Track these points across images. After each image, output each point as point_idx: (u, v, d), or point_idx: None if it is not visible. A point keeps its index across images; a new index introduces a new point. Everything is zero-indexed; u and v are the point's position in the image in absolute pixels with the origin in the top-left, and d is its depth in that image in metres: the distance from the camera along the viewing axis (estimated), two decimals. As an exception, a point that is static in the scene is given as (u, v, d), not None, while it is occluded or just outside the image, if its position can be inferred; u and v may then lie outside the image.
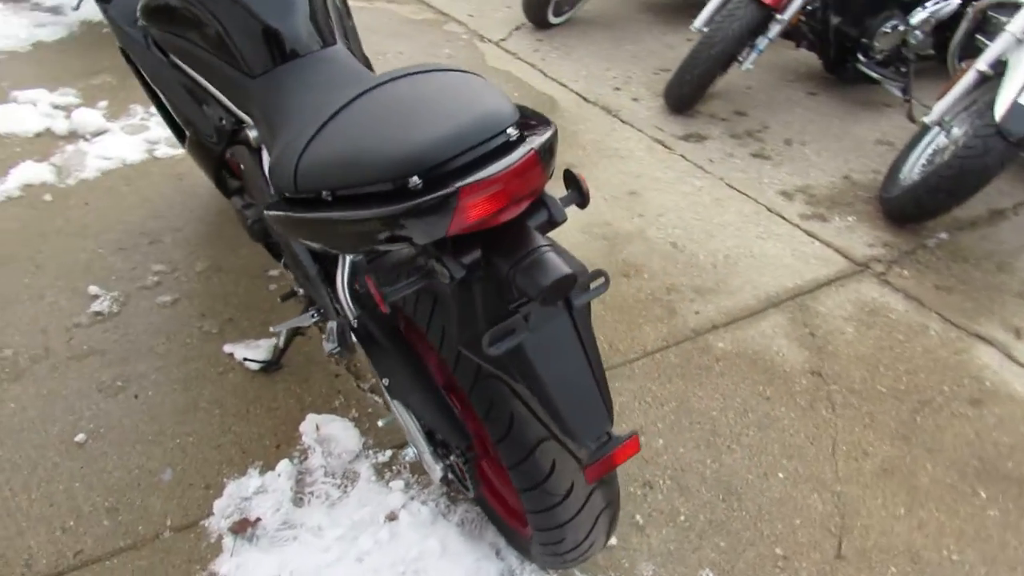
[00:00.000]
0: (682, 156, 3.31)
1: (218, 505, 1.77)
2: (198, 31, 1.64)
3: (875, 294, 2.59)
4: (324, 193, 1.14)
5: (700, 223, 2.89)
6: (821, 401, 2.18)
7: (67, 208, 2.72)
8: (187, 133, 2.03)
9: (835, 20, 3.54)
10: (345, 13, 1.97)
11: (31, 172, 2.86)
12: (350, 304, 1.44)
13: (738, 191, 3.10)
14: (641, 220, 2.88)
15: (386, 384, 1.51)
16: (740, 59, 3.45)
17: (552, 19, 4.41)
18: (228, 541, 1.71)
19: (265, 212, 1.27)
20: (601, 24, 4.57)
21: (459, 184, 0.98)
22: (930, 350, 2.37)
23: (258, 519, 1.75)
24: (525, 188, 1.03)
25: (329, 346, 1.70)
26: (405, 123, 1.08)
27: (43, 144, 3.07)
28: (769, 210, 2.99)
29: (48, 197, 2.77)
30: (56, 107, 3.29)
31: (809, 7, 3.49)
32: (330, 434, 1.93)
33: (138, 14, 1.83)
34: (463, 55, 4.11)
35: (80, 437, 1.92)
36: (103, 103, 3.33)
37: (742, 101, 3.80)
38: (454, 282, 1.08)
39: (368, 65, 1.96)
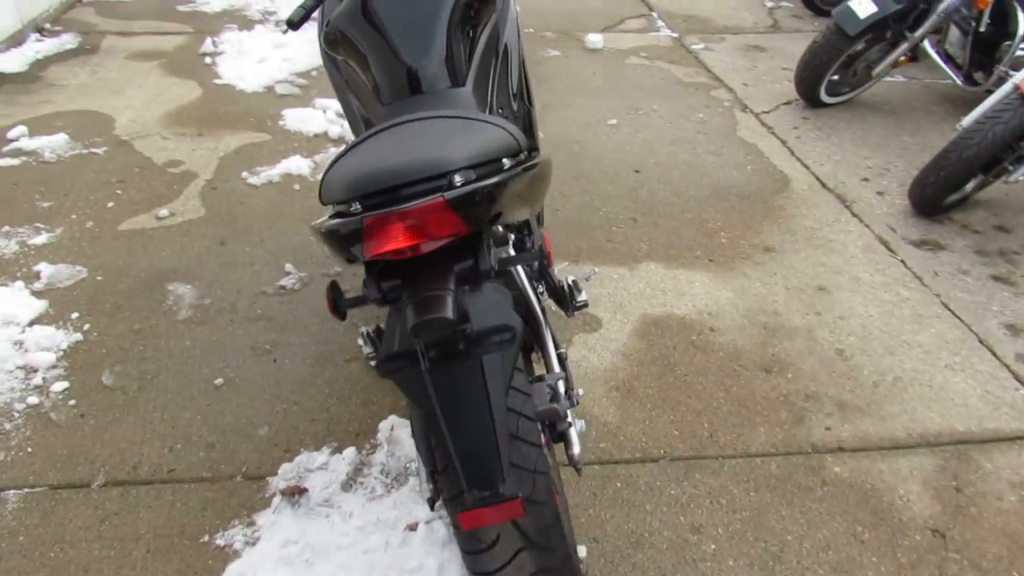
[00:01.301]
0: (902, 262, 2.97)
1: (284, 468, 2.02)
2: (355, 58, 1.91)
3: (1071, 469, 2.12)
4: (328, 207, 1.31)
5: (884, 336, 2.58)
6: (929, 566, 1.86)
7: (306, 198, 3.23)
8: None
9: None
10: (508, 64, 2.13)
11: (294, 164, 3.44)
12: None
13: (951, 312, 2.71)
14: (815, 318, 2.65)
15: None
16: (1009, 167, 3.02)
17: (825, 98, 4.18)
18: (276, 499, 1.95)
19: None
20: (882, 111, 4.23)
21: (365, 215, 1.08)
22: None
23: (306, 490, 1.96)
24: (430, 229, 1.09)
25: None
26: (380, 154, 1.20)
27: (315, 144, 3.66)
28: (980, 341, 2.58)
29: (297, 187, 3.31)
30: (339, 115, 3.89)
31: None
32: (399, 437, 2.09)
33: (320, 39, 2.16)
34: (716, 121, 4.08)
35: (219, 381, 2.30)
36: (373, 118, 3.87)
37: (1012, 216, 3.29)
38: (381, 304, 1.17)
39: (526, 106, 2.11)
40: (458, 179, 1.13)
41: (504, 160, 1.34)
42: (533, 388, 1.55)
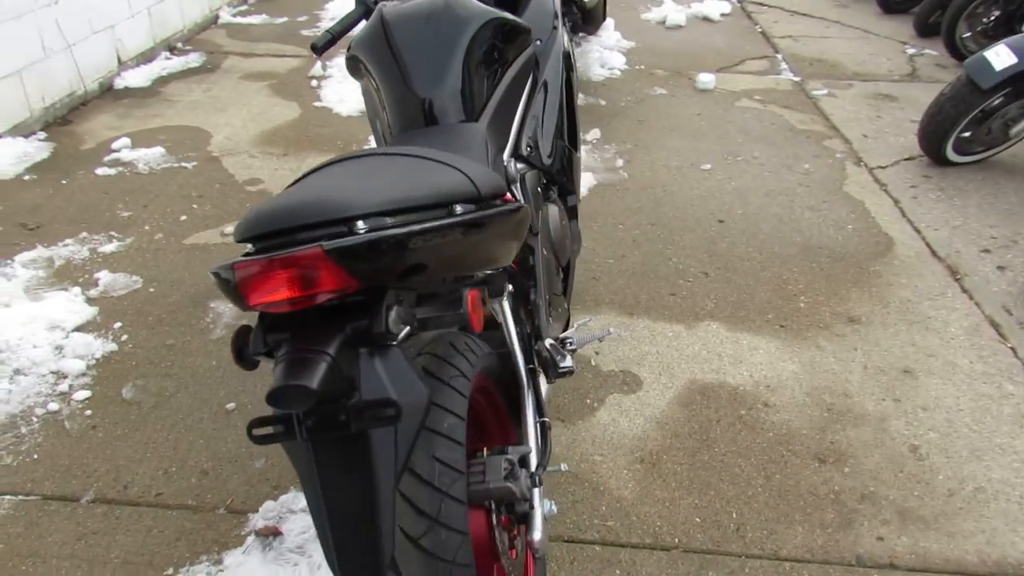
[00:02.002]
0: (1012, 350, 2.56)
1: (266, 505, 1.93)
2: (372, 85, 1.83)
3: None
4: None
5: (972, 436, 2.21)
6: None
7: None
8: None
9: None
10: (545, 102, 2.00)
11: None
12: None
13: (1064, 416, 2.29)
14: (892, 406, 2.31)
15: None
16: None
17: (953, 156, 3.76)
18: (250, 539, 1.86)
19: None
20: (1020, 175, 3.75)
21: (237, 260, 0.96)
22: None
23: (280, 532, 1.86)
24: (312, 282, 0.95)
25: None
26: (299, 192, 1.08)
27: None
28: (1097, 454, 2.16)
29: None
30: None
31: None
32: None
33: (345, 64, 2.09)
34: (822, 174, 3.75)
35: (231, 406, 2.26)
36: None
37: None
38: (267, 358, 1.05)
39: (566, 147, 1.97)
40: (361, 226, 0.99)
41: (456, 206, 1.19)
42: (488, 462, 1.39)
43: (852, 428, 2.23)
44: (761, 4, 6.70)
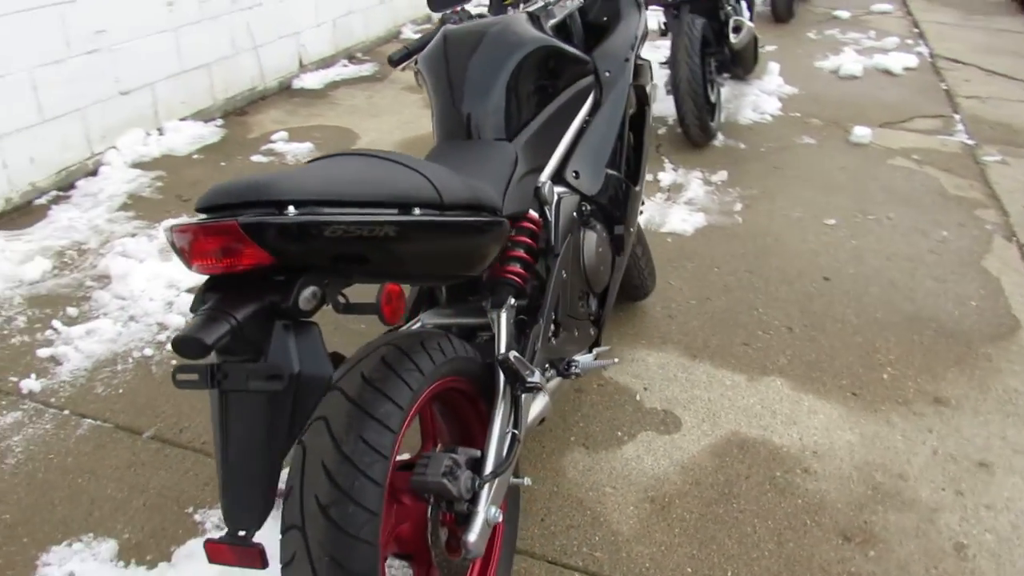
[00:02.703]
0: (1122, 464, 2.26)
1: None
2: (428, 97, 1.96)
3: None
4: None
5: (1035, 547, 1.98)
6: None
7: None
8: None
9: None
10: (601, 133, 2.04)
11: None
12: None
13: None
14: (951, 498, 2.12)
15: None
16: None
17: None
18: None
19: None
20: None
21: (173, 224, 1.11)
22: None
23: (291, 497, 2.02)
24: (233, 254, 1.07)
25: None
26: (258, 175, 1.21)
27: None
28: None
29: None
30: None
31: None
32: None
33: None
34: (961, 244, 3.46)
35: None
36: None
37: None
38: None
39: (621, 180, 2.00)
40: (292, 210, 1.11)
41: (416, 209, 1.29)
42: (433, 457, 1.46)
43: (894, 512, 2.07)
44: (955, 61, 6.24)
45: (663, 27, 4.30)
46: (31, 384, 2.38)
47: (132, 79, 3.93)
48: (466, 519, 1.47)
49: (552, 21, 2.18)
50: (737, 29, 4.24)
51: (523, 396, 1.65)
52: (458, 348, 1.53)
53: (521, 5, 2.21)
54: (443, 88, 1.86)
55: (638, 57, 2.42)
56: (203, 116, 4.39)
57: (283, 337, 1.12)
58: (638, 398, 2.45)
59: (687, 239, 3.43)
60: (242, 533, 1.12)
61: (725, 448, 2.26)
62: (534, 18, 2.03)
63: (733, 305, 2.95)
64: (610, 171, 2.09)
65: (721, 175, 4.04)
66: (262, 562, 1.11)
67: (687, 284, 3.08)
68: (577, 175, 2.00)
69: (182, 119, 4.26)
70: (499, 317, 1.67)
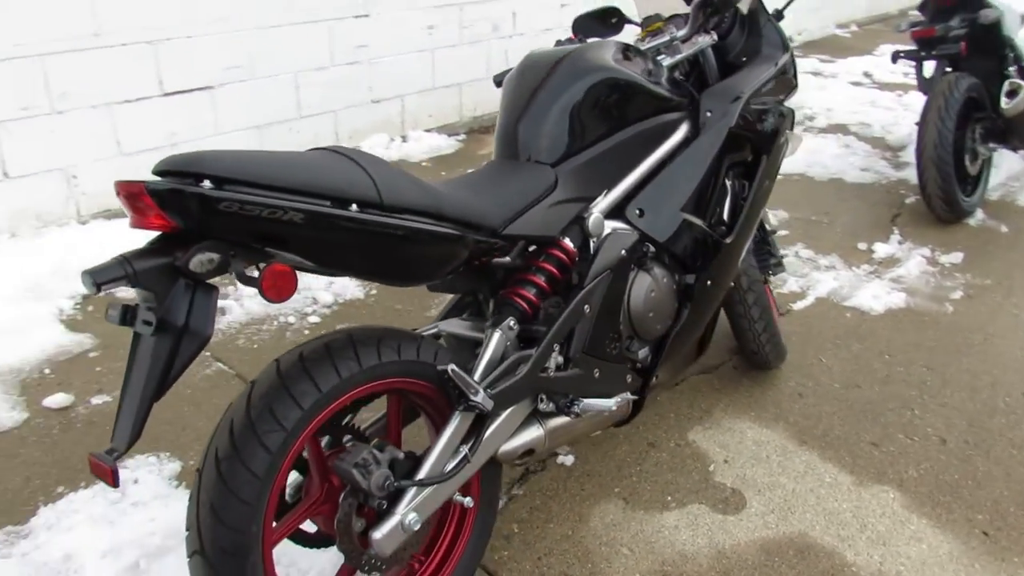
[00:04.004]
0: None
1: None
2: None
3: None
4: None
5: None
6: None
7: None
8: None
9: None
10: (676, 173, 1.94)
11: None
12: None
13: None
14: None
15: None
16: None
17: None
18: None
19: None
20: None
21: (115, 180, 1.28)
22: None
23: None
24: (143, 211, 1.21)
25: None
26: (209, 152, 1.35)
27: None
28: None
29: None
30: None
31: None
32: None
33: None
34: None
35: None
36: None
37: None
38: None
39: (701, 227, 1.90)
40: (206, 184, 1.23)
41: (353, 205, 1.36)
42: (355, 447, 1.52)
43: None
44: None
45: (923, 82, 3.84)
46: (194, 325, 2.83)
47: (385, 90, 4.45)
48: (379, 517, 1.49)
49: (675, 58, 2.10)
50: (1012, 93, 3.63)
51: (493, 418, 1.63)
52: (423, 353, 1.56)
53: (648, 39, 2.17)
54: (505, 108, 1.89)
55: (779, 103, 2.24)
56: (447, 130, 4.81)
57: (181, 294, 1.26)
58: (711, 468, 2.24)
59: (869, 318, 3.03)
60: (114, 452, 1.26)
61: (781, 547, 1.98)
62: (629, 49, 1.98)
63: (884, 399, 2.55)
64: (689, 216, 1.96)
65: (955, 257, 3.49)
66: (113, 480, 1.24)
67: (840, 366, 2.72)
68: (641, 213, 1.90)
69: (427, 130, 4.71)
70: (490, 336, 1.67)
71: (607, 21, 2.31)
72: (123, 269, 1.21)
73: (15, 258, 3.02)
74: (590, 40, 2.12)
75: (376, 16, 4.27)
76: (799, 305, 3.13)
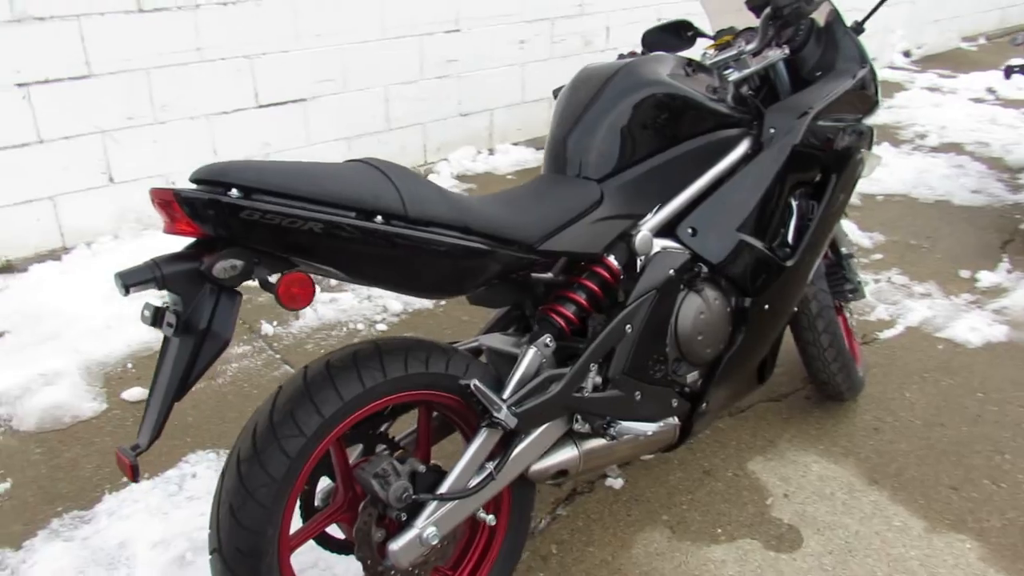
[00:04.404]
0: None
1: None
2: None
3: None
4: None
5: None
6: None
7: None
8: None
9: None
10: (731, 193, 1.87)
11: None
12: None
13: None
14: None
15: None
16: None
17: None
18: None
19: None
20: None
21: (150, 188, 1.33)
22: None
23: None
24: (173, 218, 1.26)
25: None
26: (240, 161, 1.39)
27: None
28: None
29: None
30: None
31: None
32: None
33: None
34: None
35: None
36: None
37: None
38: None
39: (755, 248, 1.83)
40: (234, 193, 1.27)
41: (378, 217, 1.37)
42: (377, 456, 1.52)
43: None
44: None
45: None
46: (268, 328, 2.93)
47: (473, 103, 4.50)
48: (398, 528, 1.49)
49: (743, 72, 2.03)
50: None
51: (522, 436, 1.60)
52: (452, 367, 1.56)
53: (716, 52, 2.10)
54: (555, 121, 1.87)
55: (856, 121, 2.11)
56: (536, 144, 4.81)
57: (206, 298, 1.29)
58: (769, 502, 2.13)
59: (964, 351, 2.81)
60: (137, 448, 1.31)
61: (835, 592, 1.86)
62: (691, 64, 1.92)
63: (970, 440, 2.36)
64: (746, 237, 1.87)
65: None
66: (132, 475, 1.29)
67: (925, 401, 2.54)
68: (694, 232, 1.83)
69: (515, 143, 4.74)
70: (525, 352, 1.64)
71: (680, 35, 2.25)
72: (152, 272, 1.26)
73: (116, 257, 3.23)
74: (653, 54, 2.07)
75: (467, 31, 4.33)
76: (886, 334, 2.94)
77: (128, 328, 2.87)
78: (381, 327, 2.97)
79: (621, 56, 2.14)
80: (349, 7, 3.85)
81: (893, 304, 3.13)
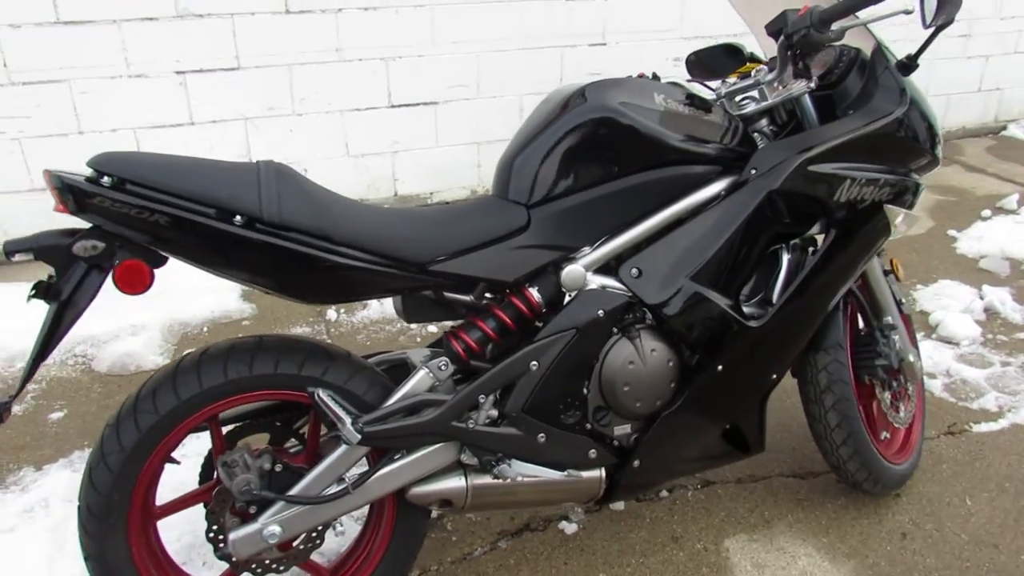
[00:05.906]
0: None
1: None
2: None
3: None
4: None
5: None
6: None
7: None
8: None
9: None
10: (691, 234, 1.70)
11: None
12: None
13: None
14: None
15: None
16: None
17: None
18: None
19: None
20: None
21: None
22: None
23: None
24: (56, 195, 1.40)
25: None
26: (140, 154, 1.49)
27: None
28: None
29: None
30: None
31: None
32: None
33: None
34: None
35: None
36: None
37: None
38: None
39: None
40: (105, 180, 1.38)
41: (237, 217, 1.42)
42: (240, 447, 1.58)
43: None
44: None
45: None
46: (332, 313, 3.10)
47: (614, 118, 4.40)
48: (242, 520, 1.54)
49: (760, 105, 1.82)
50: None
51: (393, 456, 1.58)
52: (331, 373, 1.57)
53: (730, 80, 1.91)
54: (511, 140, 1.79)
55: (889, 171, 1.81)
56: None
57: (74, 271, 1.42)
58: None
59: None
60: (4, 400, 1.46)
61: None
62: (676, 89, 1.76)
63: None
64: (700, 288, 1.67)
65: None
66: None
67: (987, 515, 2.10)
68: (639, 274, 1.68)
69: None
70: (414, 373, 1.61)
71: (732, 58, 2.05)
72: (30, 243, 1.41)
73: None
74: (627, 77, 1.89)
75: (613, 45, 4.24)
76: (982, 427, 2.46)
77: (217, 295, 3.17)
78: (431, 328, 3.02)
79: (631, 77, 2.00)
80: (488, 15, 3.94)
81: (1010, 394, 2.62)
